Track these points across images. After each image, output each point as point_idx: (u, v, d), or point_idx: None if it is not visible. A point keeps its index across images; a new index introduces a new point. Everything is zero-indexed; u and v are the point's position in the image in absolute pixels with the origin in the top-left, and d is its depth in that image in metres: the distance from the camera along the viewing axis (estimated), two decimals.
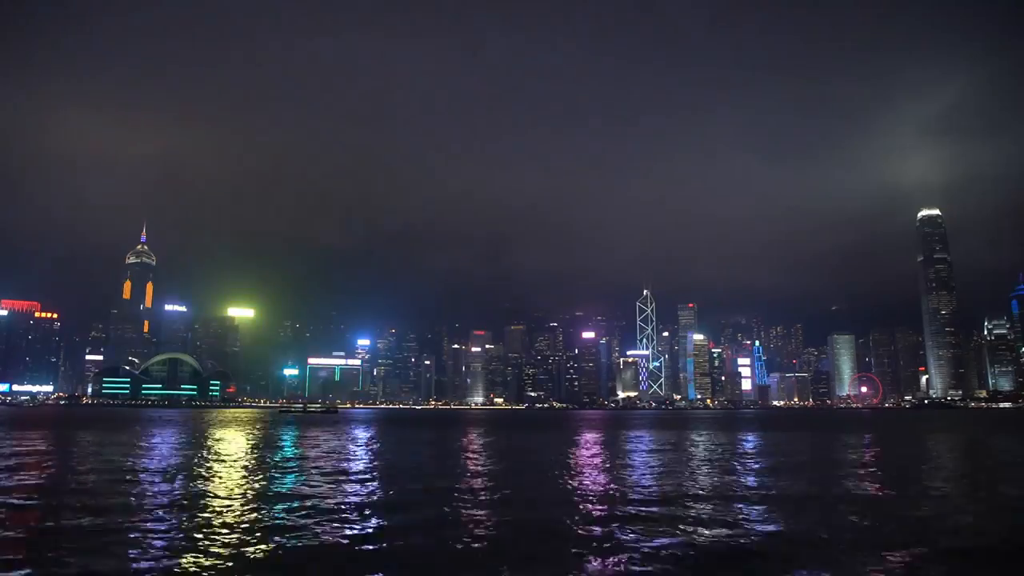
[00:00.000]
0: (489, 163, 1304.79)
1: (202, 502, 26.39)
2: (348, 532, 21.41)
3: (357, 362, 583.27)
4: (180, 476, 35.36)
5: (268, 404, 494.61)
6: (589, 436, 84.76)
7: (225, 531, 20.96)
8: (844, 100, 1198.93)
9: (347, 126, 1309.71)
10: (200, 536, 20.20)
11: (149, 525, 21.76)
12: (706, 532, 21.68)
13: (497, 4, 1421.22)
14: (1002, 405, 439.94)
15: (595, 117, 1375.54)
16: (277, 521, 22.89)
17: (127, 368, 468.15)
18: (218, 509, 24.87)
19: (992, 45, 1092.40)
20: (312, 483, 33.35)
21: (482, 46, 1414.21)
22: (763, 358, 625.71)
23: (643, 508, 26.19)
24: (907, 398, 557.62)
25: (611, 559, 18.25)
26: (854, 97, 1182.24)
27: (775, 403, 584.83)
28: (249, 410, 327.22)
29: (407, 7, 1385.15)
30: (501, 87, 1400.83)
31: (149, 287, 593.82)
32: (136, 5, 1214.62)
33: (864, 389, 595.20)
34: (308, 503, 26.62)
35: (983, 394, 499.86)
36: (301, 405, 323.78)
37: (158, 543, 19.35)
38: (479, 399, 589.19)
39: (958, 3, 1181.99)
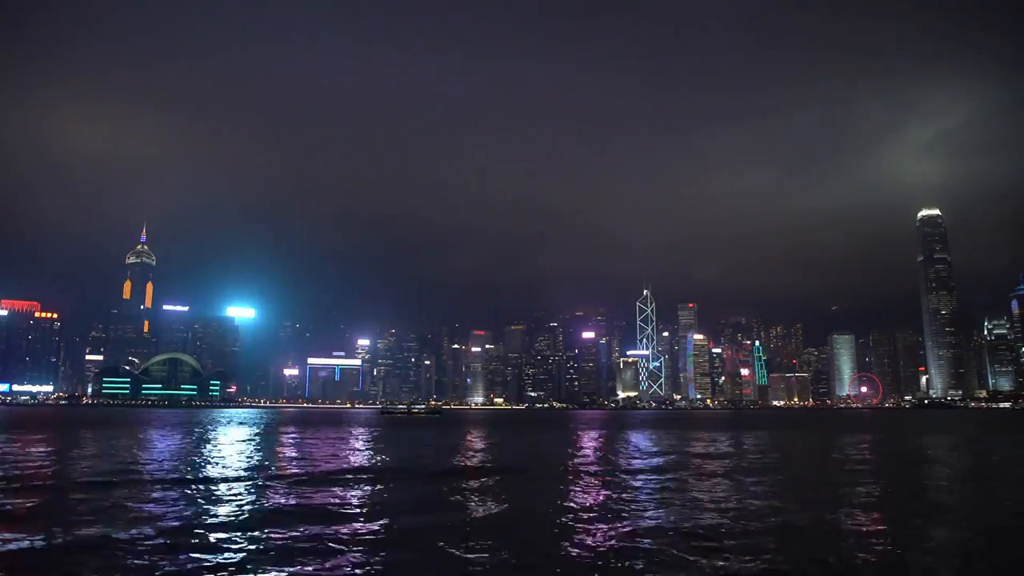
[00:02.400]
0: (491, 167, 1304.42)
1: None
2: None
3: (357, 362, 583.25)
4: None
5: (268, 404, 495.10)
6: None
7: None
8: (848, 109, 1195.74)
9: (350, 127, 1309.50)
10: None
11: None
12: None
13: (514, 18, 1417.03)
14: (1002, 405, 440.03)
15: (601, 124, 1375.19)
16: None
17: (127, 368, 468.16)
18: None
19: (998, 70, 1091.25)
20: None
21: (497, 56, 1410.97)
22: (763, 358, 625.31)
23: None
24: (907, 398, 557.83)
25: None
26: (858, 106, 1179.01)
27: (775, 403, 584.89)
28: (251, 410, 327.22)
29: (418, 13, 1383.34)
30: (507, 92, 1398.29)
31: (149, 287, 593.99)
32: (139, 6, 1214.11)
33: (864, 389, 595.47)
34: None
35: (983, 394, 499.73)
36: (405, 407, 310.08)
37: None
38: (479, 399, 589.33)
39: (967, 28, 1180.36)
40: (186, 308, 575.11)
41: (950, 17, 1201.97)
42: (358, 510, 25.59)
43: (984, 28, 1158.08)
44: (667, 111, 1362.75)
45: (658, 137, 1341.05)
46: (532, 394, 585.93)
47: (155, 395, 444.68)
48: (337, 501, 27.74)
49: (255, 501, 27.66)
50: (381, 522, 23.01)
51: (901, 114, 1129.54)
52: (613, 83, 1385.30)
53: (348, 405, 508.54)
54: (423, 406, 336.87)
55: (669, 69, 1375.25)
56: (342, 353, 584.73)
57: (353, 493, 30.30)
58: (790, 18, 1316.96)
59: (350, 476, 36.96)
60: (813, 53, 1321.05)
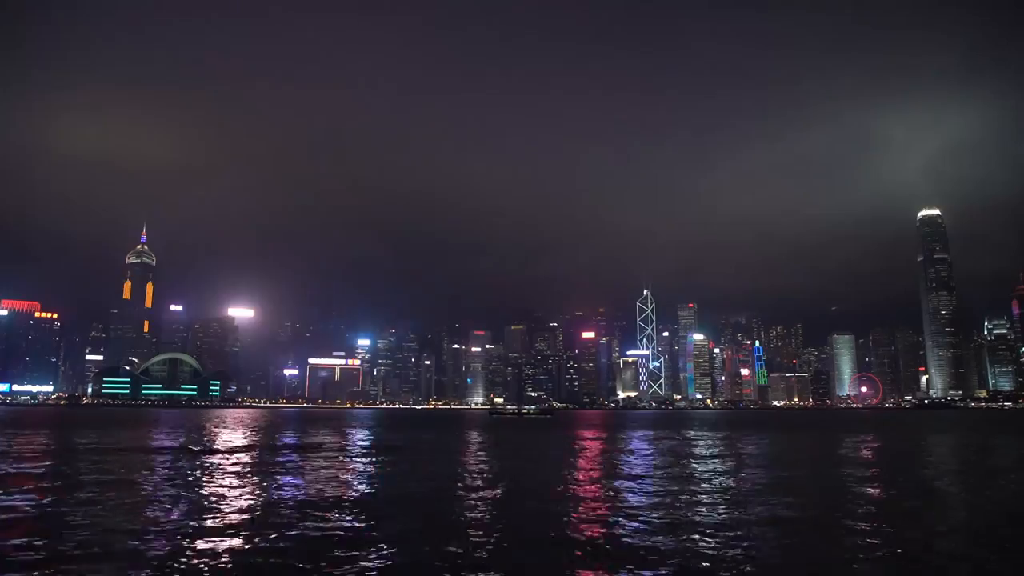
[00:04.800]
0: (492, 168, 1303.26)
1: None
2: None
3: (357, 362, 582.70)
4: None
5: (268, 404, 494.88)
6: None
7: None
8: (851, 120, 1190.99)
9: (352, 130, 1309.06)
10: None
11: None
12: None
13: (524, 25, 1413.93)
14: (1002, 405, 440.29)
15: (605, 130, 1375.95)
16: None
17: (127, 368, 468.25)
18: None
19: (1003, 80, 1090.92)
20: None
21: (504, 62, 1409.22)
22: (763, 358, 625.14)
23: None
24: (907, 398, 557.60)
25: None
26: (862, 117, 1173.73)
27: (775, 403, 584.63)
28: (250, 410, 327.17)
29: (419, 20, 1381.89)
30: (513, 97, 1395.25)
31: (149, 287, 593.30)
32: (139, 7, 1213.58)
33: (864, 389, 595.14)
34: None
35: (983, 394, 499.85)
36: (515, 407, 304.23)
37: None
38: (479, 399, 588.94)
39: (973, 41, 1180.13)
40: (186, 308, 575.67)
41: (957, 31, 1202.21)
42: None
43: (990, 41, 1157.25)
44: (672, 118, 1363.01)
45: (661, 143, 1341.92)
46: (532, 394, 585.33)
47: (155, 395, 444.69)
48: None
49: None
50: None
51: (904, 123, 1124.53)
52: (619, 90, 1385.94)
53: (348, 405, 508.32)
54: (533, 407, 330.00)
55: (675, 79, 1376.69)
56: (342, 353, 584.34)
57: None
58: (797, 32, 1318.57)
59: None
60: (819, 65, 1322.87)
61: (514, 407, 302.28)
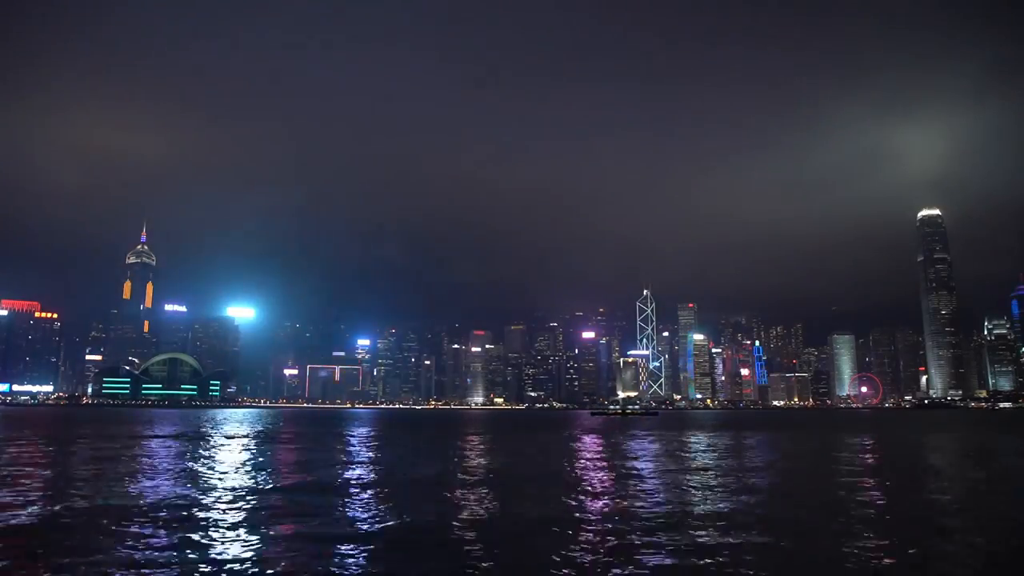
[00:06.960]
0: (493, 168, 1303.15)
1: None
2: None
3: (357, 362, 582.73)
4: None
5: (268, 404, 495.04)
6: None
7: None
8: (851, 122, 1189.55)
9: (352, 130, 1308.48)
10: None
11: None
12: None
13: (531, 23, 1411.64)
14: (1002, 405, 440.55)
15: (607, 131, 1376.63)
16: None
17: (127, 368, 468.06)
18: None
19: (1001, 78, 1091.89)
20: None
21: (509, 63, 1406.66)
22: (763, 358, 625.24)
23: None
24: (907, 398, 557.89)
25: None
26: (861, 118, 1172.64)
27: (775, 403, 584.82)
28: (251, 410, 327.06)
29: (422, 23, 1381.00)
30: (514, 98, 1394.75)
31: (149, 287, 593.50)
32: (138, 5, 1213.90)
33: (864, 389, 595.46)
34: None
35: (983, 394, 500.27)
36: (618, 406, 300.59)
37: None
38: (479, 399, 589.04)
39: (973, 37, 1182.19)
40: (186, 308, 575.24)
41: (959, 33, 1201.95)
42: None
43: (994, 42, 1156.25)
44: (674, 120, 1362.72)
45: (663, 145, 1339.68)
46: (532, 394, 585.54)
47: (155, 395, 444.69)
48: None
49: None
50: None
51: (905, 125, 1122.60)
52: (622, 91, 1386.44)
53: (348, 405, 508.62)
54: (636, 405, 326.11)
55: (677, 82, 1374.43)
56: (342, 353, 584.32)
57: None
58: (797, 34, 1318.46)
59: None
60: (820, 67, 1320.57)
61: (617, 406, 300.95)
